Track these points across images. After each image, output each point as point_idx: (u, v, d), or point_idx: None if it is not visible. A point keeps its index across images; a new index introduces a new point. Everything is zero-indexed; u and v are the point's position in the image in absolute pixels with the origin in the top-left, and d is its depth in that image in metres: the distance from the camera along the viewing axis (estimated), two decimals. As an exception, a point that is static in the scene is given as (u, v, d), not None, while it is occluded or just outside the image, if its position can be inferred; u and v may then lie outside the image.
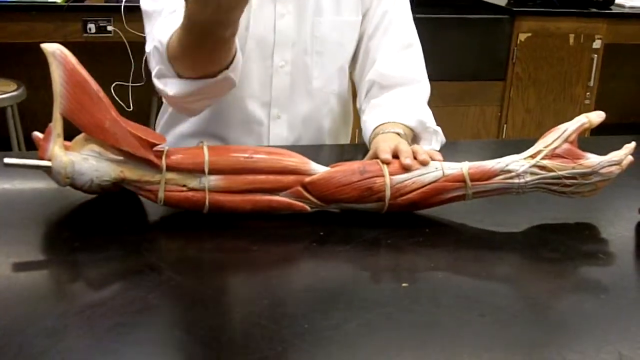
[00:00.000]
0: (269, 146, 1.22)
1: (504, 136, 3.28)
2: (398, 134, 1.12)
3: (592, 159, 0.91)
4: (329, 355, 0.65)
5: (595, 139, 1.04)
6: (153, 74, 1.12)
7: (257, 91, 1.23)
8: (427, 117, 1.21)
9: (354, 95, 1.38)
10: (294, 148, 0.97)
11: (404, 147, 0.95)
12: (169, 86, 1.11)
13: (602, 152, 0.93)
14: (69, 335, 0.65)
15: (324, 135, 1.33)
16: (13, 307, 0.70)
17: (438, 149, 1.21)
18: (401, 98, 1.24)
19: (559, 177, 0.90)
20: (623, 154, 0.92)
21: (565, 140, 0.90)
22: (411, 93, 1.27)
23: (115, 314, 0.69)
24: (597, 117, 0.92)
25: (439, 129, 1.22)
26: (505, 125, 3.28)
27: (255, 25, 1.20)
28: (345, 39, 1.27)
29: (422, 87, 1.30)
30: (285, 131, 1.27)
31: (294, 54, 1.24)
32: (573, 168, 0.90)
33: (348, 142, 1.44)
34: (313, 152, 1.18)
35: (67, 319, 0.68)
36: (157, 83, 1.17)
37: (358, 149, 1.25)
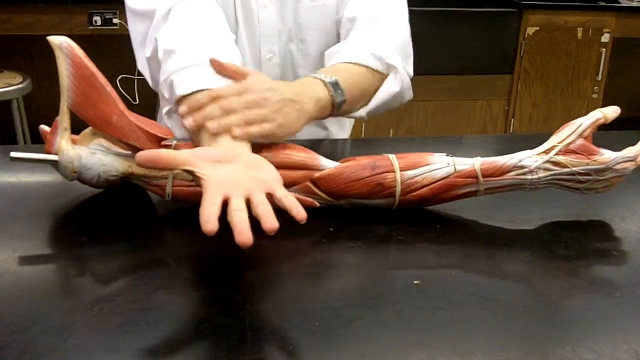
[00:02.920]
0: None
1: (511, 130, 3.27)
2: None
3: (606, 155, 0.90)
4: (341, 353, 0.64)
5: (603, 134, 1.02)
6: (163, 105, 1.11)
7: None
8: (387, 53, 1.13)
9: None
10: (302, 143, 0.96)
11: None
12: (177, 131, 1.11)
13: (610, 146, 0.92)
14: (76, 333, 0.64)
15: (322, 123, 1.32)
16: (19, 303, 0.69)
17: (398, 89, 1.15)
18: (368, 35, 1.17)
19: (573, 173, 0.89)
20: (638, 149, 0.91)
21: (580, 136, 0.89)
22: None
23: (124, 311, 0.68)
24: (612, 112, 0.90)
25: (395, 62, 1.14)
26: (512, 120, 3.27)
27: (242, 18, 1.19)
28: (326, 22, 1.25)
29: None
30: None
31: (280, 45, 1.23)
32: (587, 164, 0.89)
33: (350, 128, 1.42)
34: (320, 146, 1.18)
35: (75, 316, 0.67)
36: (167, 120, 1.16)
37: (365, 143, 1.24)
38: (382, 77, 1.14)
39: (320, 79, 1.02)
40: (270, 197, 0.71)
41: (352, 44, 1.15)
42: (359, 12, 1.19)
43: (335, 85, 1.01)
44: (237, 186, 0.71)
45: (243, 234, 0.65)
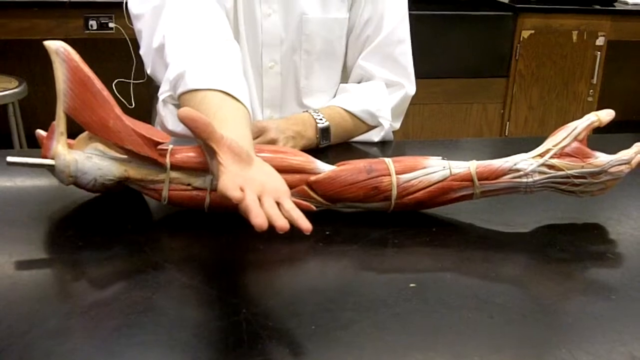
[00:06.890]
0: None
1: (506, 133, 3.27)
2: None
3: (601, 158, 0.90)
4: (337, 356, 0.64)
5: (598, 137, 1.03)
6: (161, 92, 1.12)
7: (251, 93, 1.23)
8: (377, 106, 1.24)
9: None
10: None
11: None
12: (170, 120, 1.14)
13: (605, 149, 0.92)
14: (73, 337, 0.64)
15: None
16: (16, 307, 0.69)
17: (377, 140, 1.26)
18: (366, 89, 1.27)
19: (568, 176, 0.89)
20: (633, 152, 0.91)
21: (575, 139, 0.89)
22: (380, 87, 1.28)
23: (120, 315, 0.68)
24: (606, 115, 0.91)
25: (385, 122, 1.25)
26: (508, 123, 3.28)
27: (244, 26, 1.19)
28: (333, 36, 1.26)
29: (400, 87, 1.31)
30: None
31: (282, 54, 1.23)
32: (582, 167, 0.89)
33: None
34: (316, 150, 1.18)
35: (71, 320, 0.67)
36: (160, 108, 1.17)
37: (361, 146, 1.25)
38: (370, 126, 1.26)
39: (316, 121, 1.17)
40: (277, 206, 0.73)
41: (358, 91, 1.26)
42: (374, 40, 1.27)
43: (325, 130, 1.18)
44: (251, 183, 0.75)
45: (260, 216, 0.69)
